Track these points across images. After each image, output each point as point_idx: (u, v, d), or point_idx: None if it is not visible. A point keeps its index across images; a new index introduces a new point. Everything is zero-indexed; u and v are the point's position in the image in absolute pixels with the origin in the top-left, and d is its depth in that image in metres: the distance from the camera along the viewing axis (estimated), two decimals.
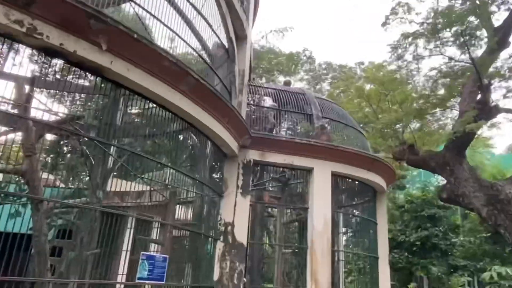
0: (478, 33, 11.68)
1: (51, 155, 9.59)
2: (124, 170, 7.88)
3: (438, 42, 11.83)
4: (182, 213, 7.99)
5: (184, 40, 6.97)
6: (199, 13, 7.62)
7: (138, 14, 8.05)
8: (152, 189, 8.58)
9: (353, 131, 11.81)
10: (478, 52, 11.84)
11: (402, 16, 12.39)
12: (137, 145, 8.77)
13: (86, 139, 6.80)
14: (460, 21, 10.87)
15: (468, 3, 11.43)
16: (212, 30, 8.20)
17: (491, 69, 11.66)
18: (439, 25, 11.27)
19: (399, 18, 12.52)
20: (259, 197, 12.04)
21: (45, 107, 6.81)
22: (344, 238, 13.00)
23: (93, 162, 8.09)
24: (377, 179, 11.08)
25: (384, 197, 12.09)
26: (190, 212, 8.19)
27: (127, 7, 8.55)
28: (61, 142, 9.42)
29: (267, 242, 15.48)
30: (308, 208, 9.70)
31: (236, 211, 8.69)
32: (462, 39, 11.11)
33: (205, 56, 8.43)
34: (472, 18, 11.31)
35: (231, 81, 9.15)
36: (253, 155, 9.37)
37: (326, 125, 10.76)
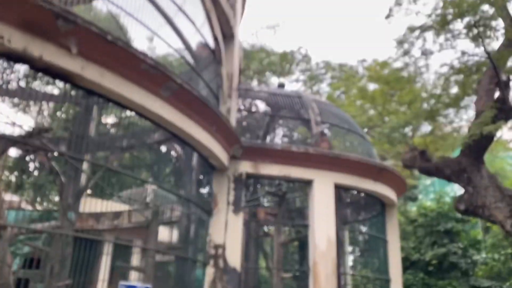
0: (493, 23, 11.87)
1: (15, 173, 9.57)
2: (99, 188, 7.88)
3: (448, 35, 12.03)
4: (166, 235, 7.99)
5: (164, 40, 7.05)
6: (180, 9, 7.71)
7: (111, 12, 8.13)
8: (131, 209, 8.58)
9: (357, 137, 11.92)
10: (495, 45, 12.04)
11: (407, 7, 12.61)
12: (113, 159, 8.77)
13: (56, 154, 6.81)
14: (473, 10, 11.06)
15: None
16: (196, 28, 8.29)
17: (509, 64, 11.87)
18: (449, 16, 11.48)
19: (404, 10, 12.75)
20: (253, 214, 12.05)
21: (7, 118, 6.83)
22: (351, 258, 13.03)
23: (63, 180, 8.07)
24: (386, 191, 11.16)
25: (395, 211, 12.16)
26: (175, 233, 8.18)
27: (99, 4, 8.65)
28: (27, 158, 9.40)
29: (264, 265, 15.44)
30: (308, 225, 9.72)
31: (228, 231, 8.67)
32: (475, 31, 11.29)
33: (188, 57, 8.51)
34: (486, 7, 11.53)
35: (218, 84, 9.22)
36: (245, 166, 9.40)
37: (326, 131, 10.86)
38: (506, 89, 11.16)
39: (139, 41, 6.78)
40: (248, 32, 29.79)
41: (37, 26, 4.84)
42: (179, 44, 8.45)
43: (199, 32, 8.52)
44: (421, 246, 20.34)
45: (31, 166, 9.81)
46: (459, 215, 18.78)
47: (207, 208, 8.67)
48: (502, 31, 11.85)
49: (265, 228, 14.34)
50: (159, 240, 7.73)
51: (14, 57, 4.88)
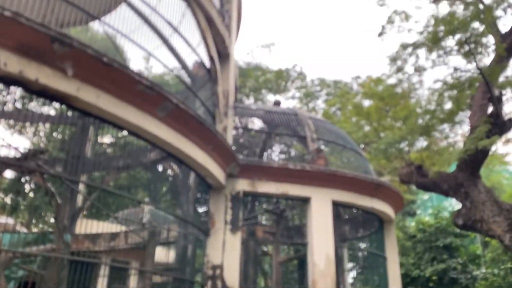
0: (484, 40, 12.08)
1: (10, 195, 9.49)
2: (95, 209, 7.83)
3: (441, 52, 12.19)
4: (163, 256, 7.90)
5: (159, 61, 7.11)
6: (176, 30, 7.79)
7: (107, 34, 8.20)
8: (127, 229, 8.50)
9: (353, 153, 11.94)
10: (486, 61, 12.22)
11: (400, 25, 12.80)
12: (109, 180, 8.74)
13: (51, 175, 6.78)
14: (464, 27, 11.25)
15: (471, 8, 11.89)
16: (192, 48, 8.37)
17: (501, 79, 12.01)
18: (441, 33, 11.65)
19: (397, 27, 12.95)
20: (251, 233, 11.96)
21: (3, 140, 6.81)
22: (351, 276, 12.91)
23: (59, 202, 8.01)
24: (384, 207, 11.14)
25: (393, 227, 12.11)
26: (172, 254, 8.10)
27: (95, 25, 8.74)
28: (22, 180, 9.35)
29: (262, 285, 15.26)
30: (307, 243, 9.66)
31: (225, 251, 8.59)
32: (467, 47, 11.46)
33: (184, 76, 8.57)
34: (476, 24, 11.73)
35: (214, 103, 9.26)
36: (242, 185, 9.37)
37: (323, 147, 10.88)
38: (499, 103, 11.26)
39: (136, 61, 6.83)
40: (244, 50, 30.13)
41: (33, 50, 4.87)
42: (175, 64, 8.52)
43: (195, 52, 8.60)
44: (420, 262, 20.22)
45: (27, 187, 9.75)
46: (457, 230, 18.73)
47: (204, 228, 8.61)
48: (493, 47, 12.04)
49: (264, 247, 14.22)
50: (156, 261, 7.64)
51: (9, 80, 4.90)
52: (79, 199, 8.81)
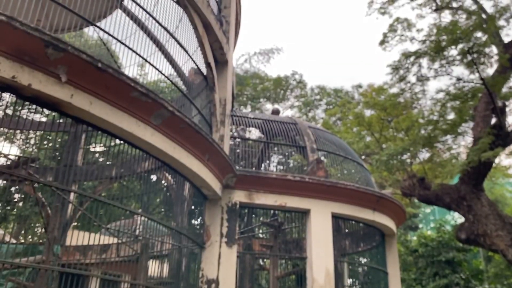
0: (487, 50, 12.21)
1: None
2: (87, 220, 7.79)
3: (443, 61, 12.30)
4: (156, 269, 7.84)
5: (155, 67, 7.12)
6: (172, 36, 7.82)
7: (102, 39, 8.25)
8: (119, 241, 8.44)
9: (354, 165, 11.95)
10: (489, 71, 12.33)
11: (402, 34, 12.92)
12: (101, 190, 8.71)
13: (42, 184, 6.75)
14: (466, 37, 11.38)
15: (473, 17, 12.03)
16: (188, 54, 8.40)
17: (504, 89, 12.12)
18: (443, 43, 11.77)
19: (399, 36, 13.07)
20: (248, 246, 11.91)
21: None
22: None
23: (49, 212, 7.97)
24: (385, 220, 11.12)
25: (394, 241, 12.09)
26: (165, 267, 8.04)
27: (90, 31, 8.78)
28: (12, 189, 9.30)
29: None
30: (306, 257, 9.61)
31: (221, 265, 8.54)
32: (469, 57, 11.57)
33: (180, 84, 8.59)
34: (479, 34, 11.87)
35: (211, 111, 9.28)
36: (239, 196, 9.35)
37: (323, 158, 10.89)
38: (502, 115, 11.34)
39: (131, 68, 6.85)
40: (242, 57, 30.20)
41: (26, 54, 4.88)
42: (171, 71, 8.54)
43: (192, 58, 8.63)
44: (422, 277, 20.16)
45: (16, 197, 9.71)
46: (460, 244, 18.70)
47: (199, 241, 8.56)
48: (496, 57, 12.15)
49: (261, 261, 14.15)
50: (148, 274, 7.58)
51: (1, 86, 4.89)
52: (70, 209, 8.76)
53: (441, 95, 13.30)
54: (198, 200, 8.76)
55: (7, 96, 5.18)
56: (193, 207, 9.10)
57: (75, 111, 5.54)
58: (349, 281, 12.09)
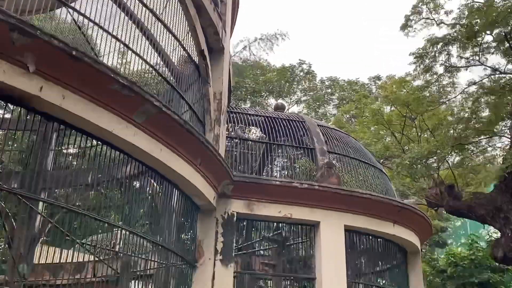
0: None
1: None
2: (58, 234, 7.78)
3: (476, 49, 12.33)
4: None
5: (138, 55, 7.14)
6: (158, 19, 7.84)
7: (77, 23, 8.26)
8: (96, 259, 8.46)
9: (371, 170, 11.97)
10: None
11: (428, 16, 12.94)
12: (75, 199, 8.72)
13: (5, 191, 6.76)
14: (503, 20, 11.38)
15: None
16: (177, 40, 8.42)
17: None
18: (477, 27, 11.78)
19: (424, 19, 13.08)
20: (247, 265, 11.92)
21: None
22: None
23: (14, 224, 7.97)
24: (407, 235, 11.13)
25: (419, 259, 12.10)
26: None
27: (63, 13, 8.81)
28: None
29: None
30: (314, 278, 9.63)
31: (215, 287, 8.56)
32: (507, 44, 11.58)
33: (168, 75, 8.61)
34: None
35: (204, 107, 9.30)
36: (237, 206, 9.37)
37: (334, 162, 10.90)
38: None
39: (110, 56, 6.85)
40: (241, 44, 30.19)
41: None
42: (157, 59, 8.55)
43: (181, 45, 8.64)
44: None
45: None
46: (496, 264, 18.68)
47: (189, 258, 8.58)
48: None
49: (262, 282, 14.16)
50: None
51: None
52: (39, 221, 8.77)
53: (473, 89, 13.32)
54: (188, 211, 8.78)
55: None
56: (183, 219, 9.11)
57: (45, 107, 5.55)
58: None
